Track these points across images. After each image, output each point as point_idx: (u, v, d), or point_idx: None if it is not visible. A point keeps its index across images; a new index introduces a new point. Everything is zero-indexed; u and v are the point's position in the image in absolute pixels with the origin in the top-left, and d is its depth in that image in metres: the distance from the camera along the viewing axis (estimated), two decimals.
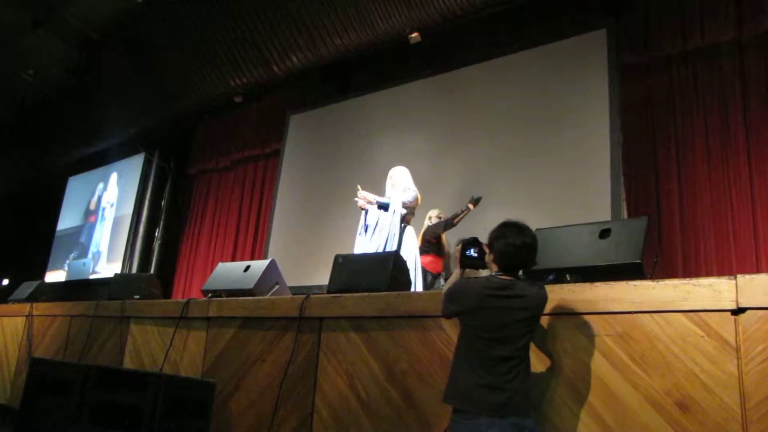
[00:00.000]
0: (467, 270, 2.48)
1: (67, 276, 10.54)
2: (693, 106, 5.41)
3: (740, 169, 5.02)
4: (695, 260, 5.07)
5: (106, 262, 10.20)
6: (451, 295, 2.37)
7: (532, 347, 2.49)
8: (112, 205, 10.74)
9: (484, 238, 2.44)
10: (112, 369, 4.11)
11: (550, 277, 2.67)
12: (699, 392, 2.08)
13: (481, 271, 2.48)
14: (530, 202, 5.68)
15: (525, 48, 6.34)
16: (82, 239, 10.95)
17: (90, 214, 11.10)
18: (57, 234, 11.59)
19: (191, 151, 10.10)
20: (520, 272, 2.38)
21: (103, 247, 10.42)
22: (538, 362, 2.46)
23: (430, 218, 5.78)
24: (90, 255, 10.54)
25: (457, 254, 2.46)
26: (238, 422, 3.47)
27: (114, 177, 10.91)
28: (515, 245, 2.28)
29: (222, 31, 7.65)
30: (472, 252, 2.42)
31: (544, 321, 2.48)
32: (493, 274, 2.34)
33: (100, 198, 11.04)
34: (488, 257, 2.39)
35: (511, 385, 2.15)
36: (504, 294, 2.24)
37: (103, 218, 10.75)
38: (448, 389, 2.30)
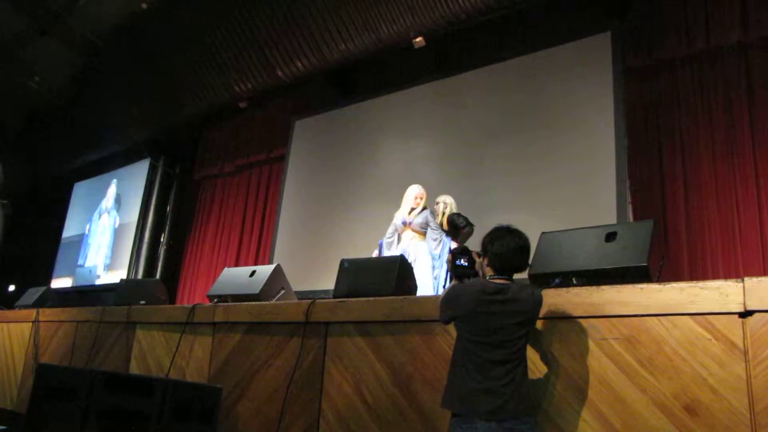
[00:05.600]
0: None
1: (74, 282, 10.61)
2: (698, 108, 5.40)
3: (746, 171, 5.01)
4: (702, 263, 5.05)
5: (104, 269, 10.24)
6: (448, 300, 2.39)
7: (539, 351, 2.48)
8: (108, 212, 10.84)
9: None
10: (118, 375, 4.12)
11: (557, 281, 2.66)
12: (707, 396, 2.07)
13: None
14: (535, 205, 5.67)
15: (529, 51, 6.33)
16: (85, 245, 11.01)
17: (93, 220, 11.19)
18: (63, 240, 11.63)
19: (196, 156, 10.12)
20: (514, 276, 2.39)
21: (102, 254, 10.48)
22: (544, 366, 2.46)
23: (446, 204, 5.46)
24: (91, 261, 10.60)
25: (449, 264, 2.49)
26: (244, 427, 3.47)
27: (113, 186, 11.05)
28: (510, 248, 2.33)
29: (227, 37, 7.68)
30: (462, 261, 2.47)
31: (551, 324, 2.48)
32: (489, 278, 2.37)
33: (100, 205, 11.17)
34: (480, 263, 2.43)
35: (507, 389, 2.16)
36: (499, 298, 2.26)
37: (102, 225, 10.87)
38: (445, 394, 2.32)
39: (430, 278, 5.17)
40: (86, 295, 9.92)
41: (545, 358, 2.47)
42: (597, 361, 2.33)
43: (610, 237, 2.67)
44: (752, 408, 1.98)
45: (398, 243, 5.47)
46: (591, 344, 2.36)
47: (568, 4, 6.28)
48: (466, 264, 2.46)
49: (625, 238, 2.62)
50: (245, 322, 3.71)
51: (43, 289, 6.32)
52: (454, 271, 2.48)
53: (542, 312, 2.39)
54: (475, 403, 2.17)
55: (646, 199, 5.49)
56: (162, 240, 10.01)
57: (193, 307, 4.05)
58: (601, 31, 5.85)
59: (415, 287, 3.61)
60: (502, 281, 2.32)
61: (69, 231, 11.62)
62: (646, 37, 5.72)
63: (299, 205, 8.00)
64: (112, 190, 10.92)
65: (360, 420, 2.98)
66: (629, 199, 5.37)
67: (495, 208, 5.76)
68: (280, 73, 7.63)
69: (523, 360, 2.25)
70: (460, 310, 2.32)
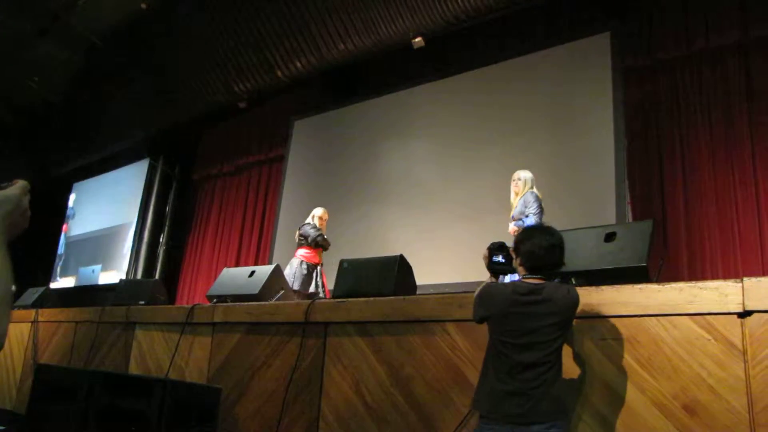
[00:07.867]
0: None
1: (76, 282, 10.60)
2: (697, 109, 5.39)
3: (745, 172, 5.01)
4: (701, 263, 5.05)
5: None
6: (481, 299, 2.31)
7: None
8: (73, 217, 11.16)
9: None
10: (117, 375, 4.12)
11: (556, 281, 2.66)
12: (706, 396, 2.07)
13: None
14: None
15: (529, 52, 6.34)
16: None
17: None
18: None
19: (196, 156, 10.12)
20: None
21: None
22: None
23: (313, 217, 6.07)
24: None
25: (485, 261, 2.42)
26: (244, 427, 3.47)
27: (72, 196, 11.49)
28: (542, 246, 2.25)
29: (226, 37, 7.67)
30: (500, 258, 2.40)
31: None
32: (522, 277, 2.30)
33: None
34: (516, 262, 2.35)
35: (536, 392, 2.08)
36: (532, 299, 2.18)
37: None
38: (476, 394, 2.27)
39: None
40: (86, 295, 9.91)
41: None
42: (597, 361, 2.34)
43: (610, 237, 2.67)
44: (751, 408, 1.98)
45: None
46: (590, 344, 2.36)
47: (568, 5, 6.28)
48: (504, 261, 2.40)
49: (624, 238, 2.62)
50: (244, 322, 3.71)
51: (42, 289, 6.31)
52: (491, 267, 2.41)
53: None
54: (503, 406, 2.11)
55: (646, 199, 5.48)
56: (161, 240, 10.00)
57: (193, 307, 4.05)
58: (601, 32, 5.85)
59: (414, 287, 3.61)
60: (536, 281, 2.24)
61: (69, 231, 11.62)
62: (645, 38, 5.72)
63: (298, 205, 7.98)
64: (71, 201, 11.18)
65: (360, 420, 2.98)
66: (629, 199, 5.38)
67: (494, 208, 5.75)
68: (279, 73, 7.62)
69: (557, 362, 2.17)
70: (492, 310, 2.25)
